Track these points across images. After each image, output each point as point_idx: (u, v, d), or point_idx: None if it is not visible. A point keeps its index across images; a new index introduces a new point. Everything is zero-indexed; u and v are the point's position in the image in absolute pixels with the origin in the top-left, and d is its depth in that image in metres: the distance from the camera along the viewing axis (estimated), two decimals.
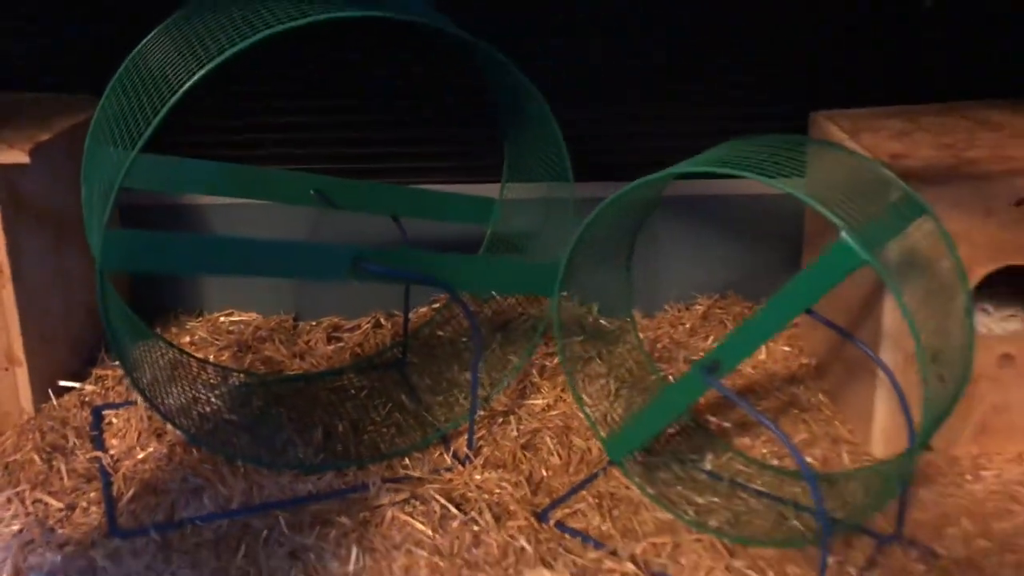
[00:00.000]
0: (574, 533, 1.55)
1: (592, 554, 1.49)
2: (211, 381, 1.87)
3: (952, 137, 1.79)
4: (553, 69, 2.06)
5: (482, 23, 1.67)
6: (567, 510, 1.61)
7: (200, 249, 1.43)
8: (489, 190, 2.02)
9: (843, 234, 1.31)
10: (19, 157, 1.67)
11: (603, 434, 1.71)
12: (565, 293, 1.86)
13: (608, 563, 1.47)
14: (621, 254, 1.83)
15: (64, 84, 2.06)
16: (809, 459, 1.74)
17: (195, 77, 1.35)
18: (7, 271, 1.72)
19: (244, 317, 2.23)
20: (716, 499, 1.63)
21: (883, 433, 1.73)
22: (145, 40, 1.56)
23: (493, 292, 1.94)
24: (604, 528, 1.57)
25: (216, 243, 1.44)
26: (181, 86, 1.36)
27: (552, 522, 1.57)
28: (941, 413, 1.41)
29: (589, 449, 1.78)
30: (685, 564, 1.48)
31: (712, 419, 1.86)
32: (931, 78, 2.13)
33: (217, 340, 2.11)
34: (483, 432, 1.81)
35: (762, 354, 2.09)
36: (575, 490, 1.66)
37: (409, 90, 2.18)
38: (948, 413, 1.43)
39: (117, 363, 2.01)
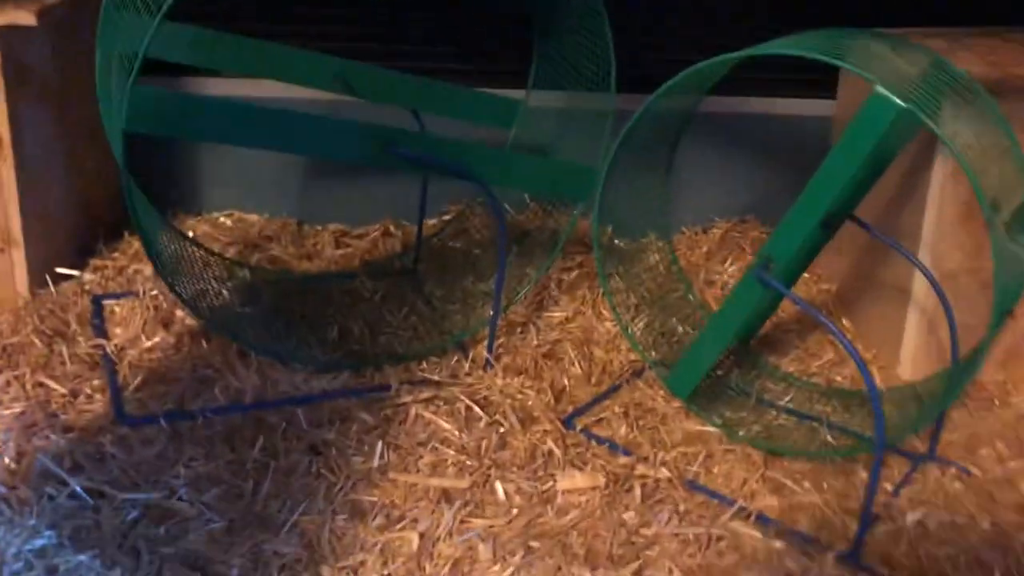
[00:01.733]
0: (601, 440, 1.50)
1: (622, 460, 1.45)
2: (218, 275, 1.78)
3: (997, 56, 1.74)
4: None
5: None
6: (592, 419, 1.56)
7: (229, 114, 1.33)
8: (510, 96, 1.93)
9: (877, 87, 1.26)
10: (26, 19, 1.56)
11: (651, 357, 1.64)
12: (582, 206, 1.80)
13: (640, 468, 1.43)
14: (658, 168, 1.76)
15: None
16: (839, 377, 1.71)
17: None
18: (7, 143, 1.61)
19: (247, 218, 2.13)
20: (744, 413, 1.59)
21: (912, 355, 1.70)
22: None
23: (522, 190, 1.86)
24: (631, 437, 1.53)
25: (247, 110, 1.35)
26: None
27: (578, 428, 1.52)
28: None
29: (611, 361, 1.73)
30: (718, 473, 1.45)
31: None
32: (971, 4, 2.08)
33: (221, 237, 2.02)
34: (502, 341, 1.75)
35: None
36: (601, 398, 1.61)
37: None
38: None
39: (116, 255, 1.92)
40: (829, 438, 1.52)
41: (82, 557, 1.20)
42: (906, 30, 1.94)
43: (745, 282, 1.49)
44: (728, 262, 2.12)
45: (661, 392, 1.63)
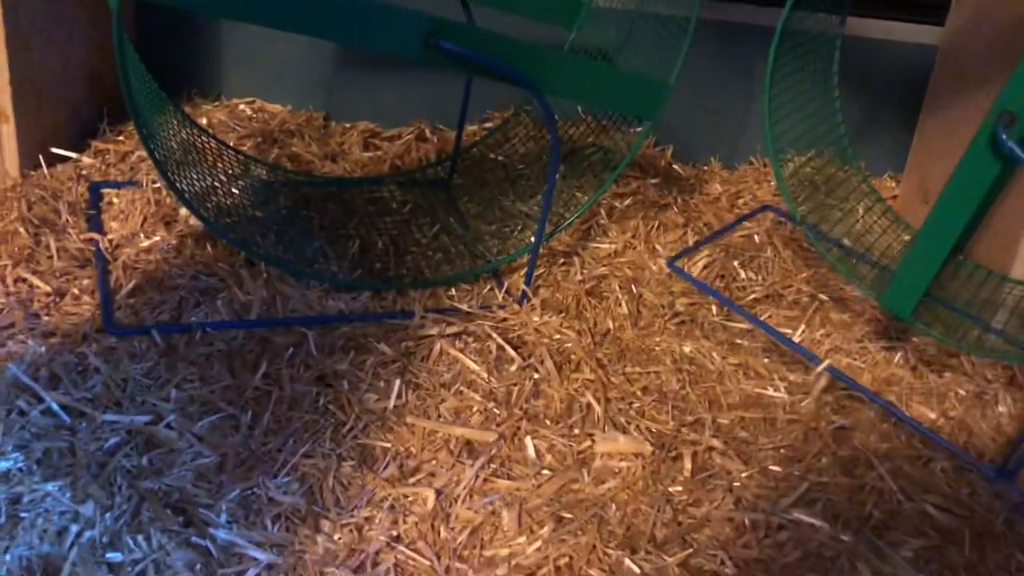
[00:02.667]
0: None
1: (670, 424, 1.27)
2: (231, 171, 1.59)
3: None
4: None
5: None
6: (641, 370, 1.38)
7: None
8: None
9: None
10: None
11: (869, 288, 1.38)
12: (637, 127, 1.58)
13: (687, 432, 1.25)
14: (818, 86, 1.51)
15: None
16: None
17: None
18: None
19: (269, 108, 1.93)
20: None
21: None
22: None
23: (582, 103, 1.64)
24: (683, 393, 1.34)
25: None
26: None
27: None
28: None
29: (662, 305, 1.53)
30: (780, 443, 1.27)
31: None
32: None
33: (238, 127, 1.81)
34: (542, 272, 1.56)
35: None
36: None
37: None
38: None
39: (121, 138, 1.73)
40: None
41: (50, 487, 1.05)
42: None
43: (976, 152, 1.19)
44: (800, 199, 1.89)
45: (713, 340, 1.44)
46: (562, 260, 1.61)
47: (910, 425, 1.32)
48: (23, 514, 1.02)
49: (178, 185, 1.33)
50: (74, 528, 1.01)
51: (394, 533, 1.07)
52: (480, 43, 1.28)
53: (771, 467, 1.22)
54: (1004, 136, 1.13)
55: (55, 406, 1.15)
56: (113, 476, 1.08)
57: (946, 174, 1.41)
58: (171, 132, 1.54)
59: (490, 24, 1.60)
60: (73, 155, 1.62)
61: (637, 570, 1.04)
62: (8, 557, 0.98)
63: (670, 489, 1.17)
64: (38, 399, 1.16)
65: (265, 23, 1.16)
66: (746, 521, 1.12)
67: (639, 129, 1.59)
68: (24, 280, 1.35)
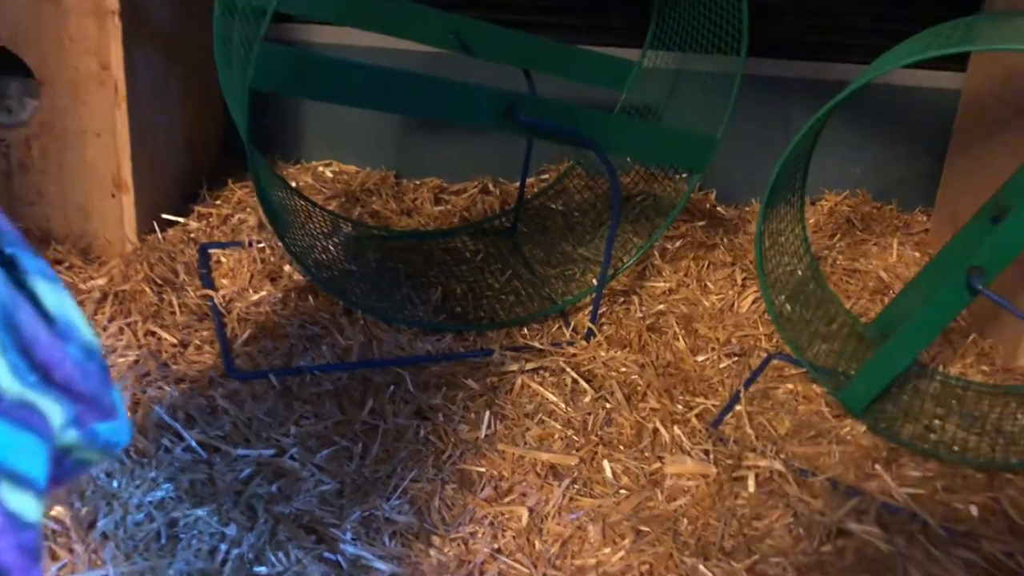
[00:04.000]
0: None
1: (731, 446, 1.42)
2: (323, 229, 1.78)
3: None
4: None
5: None
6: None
7: (354, 74, 1.30)
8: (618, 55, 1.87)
9: None
10: None
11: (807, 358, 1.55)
12: (684, 174, 1.73)
13: (752, 458, 1.40)
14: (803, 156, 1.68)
15: None
16: (957, 370, 1.65)
17: None
18: (123, 89, 1.61)
19: (346, 169, 2.12)
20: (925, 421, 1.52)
21: None
22: None
23: (638, 159, 1.80)
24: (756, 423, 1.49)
25: (371, 70, 1.31)
26: None
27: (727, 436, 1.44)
28: None
29: (716, 338, 1.69)
30: (837, 464, 1.41)
31: None
32: None
33: (323, 189, 2.00)
34: (604, 310, 1.72)
35: (893, 256, 1.98)
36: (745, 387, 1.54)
37: None
38: None
39: (219, 202, 1.92)
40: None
41: (200, 512, 1.22)
42: None
43: (950, 291, 1.39)
44: (838, 238, 2.04)
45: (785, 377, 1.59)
46: (622, 299, 1.77)
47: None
48: (180, 535, 1.19)
49: (289, 246, 1.51)
50: (223, 547, 1.18)
51: (495, 546, 1.22)
52: (550, 113, 1.46)
53: (825, 483, 1.36)
54: (980, 286, 1.33)
55: (194, 443, 1.33)
56: (250, 502, 1.25)
57: (974, 207, 1.56)
58: (273, 199, 1.73)
59: (549, 87, 1.78)
60: (181, 220, 1.81)
61: (710, 575, 1.19)
62: (171, 572, 1.15)
63: (736, 503, 1.31)
64: (180, 437, 1.33)
65: (377, 107, 1.34)
66: (801, 531, 1.27)
67: (686, 175, 1.76)
68: (153, 333, 1.53)
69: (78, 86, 1.61)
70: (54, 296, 0.71)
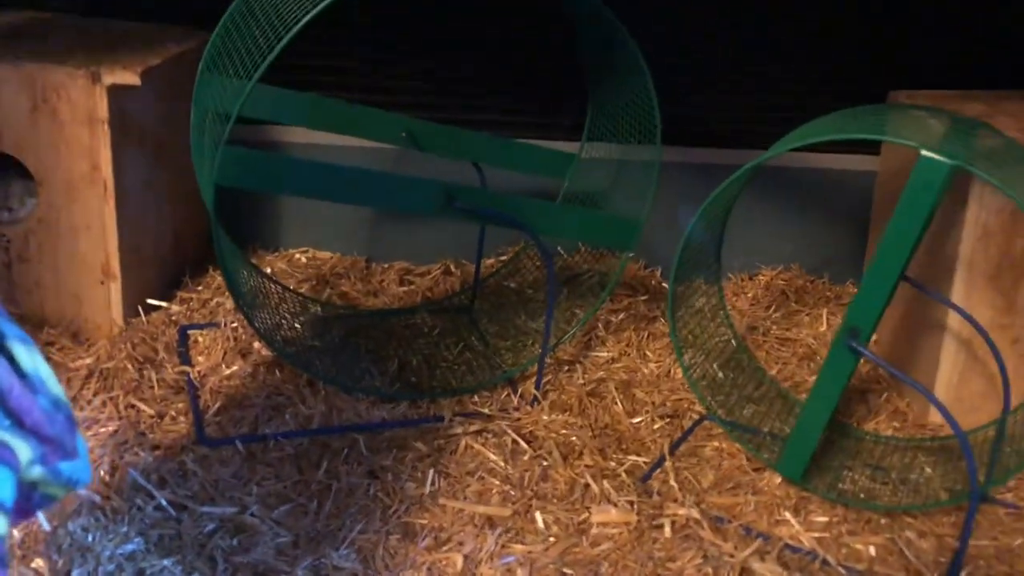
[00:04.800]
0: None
1: (654, 498, 1.56)
2: (292, 310, 1.95)
3: None
4: (644, 37, 2.10)
5: None
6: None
7: (307, 171, 1.49)
8: (565, 149, 2.07)
9: (922, 152, 1.35)
10: (131, 79, 1.75)
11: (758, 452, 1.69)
12: (631, 254, 1.90)
13: (672, 507, 1.53)
14: (713, 227, 1.86)
15: (171, 15, 2.13)
16: (871, 426, 1.79)
17: (312, 14, 1.41)
18: (111, 187, 1.80)
19: (320, 255, 2.30)
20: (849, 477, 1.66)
21: (944, 403, 1.77)
22: None
23: (572, 240, 1.98)
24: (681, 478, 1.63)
25: (322, 167, 1.50)
26: (296, 23, 1.42)
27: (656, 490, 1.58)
28: None
29: (652, 402, 1.83)
30: (752, 512, 1.54)
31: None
32: (1017, 67, 2.15)
33: (296, 274, 2.18)
34: (549, 378, 1.87)
35: (823, 325, 2.14)
36: (672, 450, 1.69)
37: (497, 43, 2.23)
38: None
39: (200, 288, 2.10)
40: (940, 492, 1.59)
41: (166, 562, 1.36)
42: (951, 92, 2.03)
43: (836, 354, 1.52)
44: (773, 309, 2.21)
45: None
46: (567, 367, 1.92)
47: None
48: None
49: (256, 324, 1.68)
50: None
51: None
52: (485, 201, 1.64)
53: (739, 528, 1.49)
54: (854, 344, 1.47)
55: (164, 502, 1.47)
56: (213, 554, 1.39)
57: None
58: (243, 280, 1.91)
59: (498, 179, 1.98)
60: (164, 304, 1.99)
61: None
62: None
63: (653, 548, 1.44)
64: (151, 497, 1.48)
65: (326, 198, 1.53)
66: (710, 570, 1.40)
67: (631, 254, 1.93)
68: (133, 406, 1.69)
69: (72, 186, 1.81)
70: (28, 357, 0.88)
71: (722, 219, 1.78)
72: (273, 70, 1.44)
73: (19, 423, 0.86)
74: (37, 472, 0.87)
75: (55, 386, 0.89)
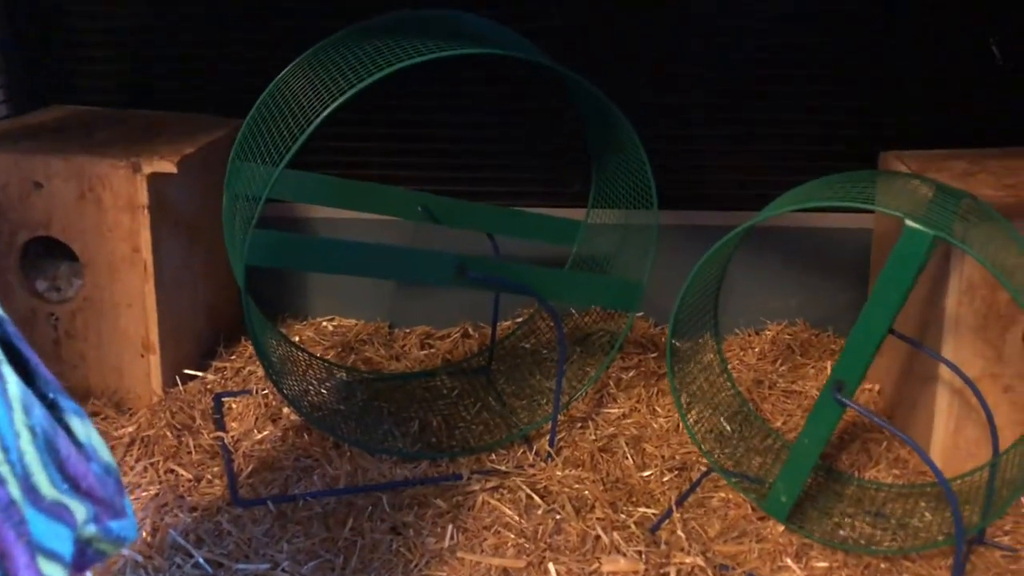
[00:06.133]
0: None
1: (662, 547, 1.64)
2: (319, 376, 2.07)
3: (1015, 178, 1.91)
4: (639, 109, 2.24)
5: (575, 57, 1.86)
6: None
7: (329, 250, 1.63)
8: (575, 215, 2.19)
9: (907, 222, 1.45)
10: (168, 167, 1.90)
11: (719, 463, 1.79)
12: (640, 313, 2.01)
13: (679, 556, 1.61)
14: (710, 282, 1.97)
15: (202, 105, 2.31)
16: (872, 474, 1.86)
17: (332, 107, 1.55)
18: (151, 268, 1.95)
19: (345, 323, 2.43)
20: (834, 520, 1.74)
21: (941, 453, 1.84)
22: (285, 71, 1.78)
23: (577, 304, 2.09)
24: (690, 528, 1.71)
25: (342, 246, 1.64)
26: (319, 114, 1.56)
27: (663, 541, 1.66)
28: None
29: (662, 456, 1.92)
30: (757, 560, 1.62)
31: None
32: (998, 124, 2.25)
33: (322, 341, 2.31)
34: (563, 435, 1.97)
35: (826, 377, 2.21)
36: (679, 502, 1.77)
37: (508, 121, 2.38)
38: None
39: (233, 357, 2.23)
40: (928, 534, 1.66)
41: None
42: (937, 152, 2.14)
43: (823, 405, 1.63)
44: (779, 362, 2.29)
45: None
46: (579, 424, 2.02)
47: None
48: None
49: (284, 391, 1.80)
50: None
51: None
52: (496, 270, 1.76)
53: (742, 574, 1.57)
54: (839, 397, 1.57)
55: (202, 560, 1.58)
56: None
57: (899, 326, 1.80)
58: (272, 349, 2.03)
59: (511, 246, 2.10)
60: (200, 374, 2.12)
61: None
62: None
63: None
64: (189, 555, 1.59)
65: (347, 273, 1.66)
66: None
67: (641, 314, 2.04)
68: (172, 471, 1.81)
69: (114, 267, 1.96)
70: (83, 428, 1.00)
71: (718, 277, 1.88)
72: (297, 154, 1.58)
73: (76, 487, 0.98)
74: (91, 531, 0.99)
75: (106, 454, 1.02)
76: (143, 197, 1.92)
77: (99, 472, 1.01)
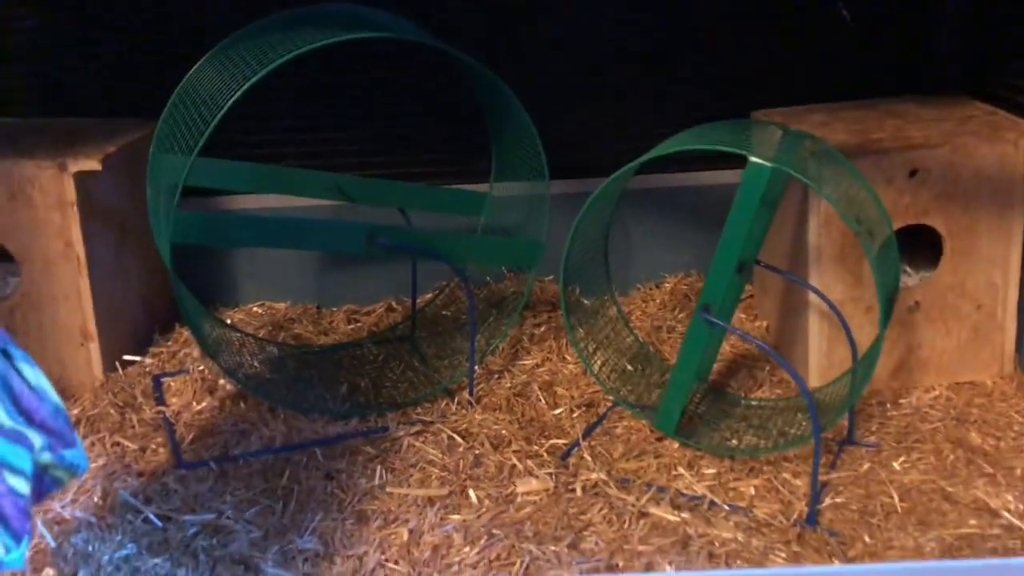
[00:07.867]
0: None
1: (571, 469, 1.83)
2: (252, 351, 2.22)
3: (862, 124, 2.14)
4: (527, 81, 2.42)
5: (467, 38, 2.04)
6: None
7: (246, 225, 1.78)
8: (481, 190, 2.37)
9: (750, 158, 1.66)
10: (93, 165, 2.04)
11: (618, 395, 1.99)
12: (550, 277, 2.19)
13: (585, 474, 1.80)
14: (599, 242, 2.17)
15: (119, 110, 2.43)
16: (757, 395, 2.08)
17: (236, 94, 1.71)
18: (84, 262, 2.08)
19: (275, 306, 2.58)
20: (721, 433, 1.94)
21: (817, 369, 2.06)
22: (195, 67, 1.93)
23: (482, 263, 2.28)
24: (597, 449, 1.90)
25: (259, 220, 1.80)
26: (226, 102, 1.71)
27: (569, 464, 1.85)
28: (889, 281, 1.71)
29: (572, 396, 2.11)
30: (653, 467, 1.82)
31: None
32: (855, 80, 2.50)
33: (253, 322, 2.46)
34: (482, 385, 2.15)
35: None
36: (587, 432, 1.96)
37: (412, 102, 2.55)
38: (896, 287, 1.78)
39: (170, 343, 2.37)
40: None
41: (156, 560, 1.61)
42: (800, 107, 2.37)
43: (693, 326, 1.84)
44: (677, 310, 2.50)
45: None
46: (497, 375, 2.20)
47: None
48: None
49: (221, 363, 1.95)
50: None
51: (383, 558, 1.61)
52: (403, 236, 1.93)
53: (642, 485, 1.77)
54: (708, 316, 1.79)
55: (152, 515, 1.72)
56: (195, 551, 1.64)
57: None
58: (207, 333, 2.18)
59: (424, 221, 2.27)
60: (138, 359, 2.25)
61: (540, 554, 1.58)
62: None
63: (568, 506, 1.71)
64: (139, 512, 1.73)
65: (264, 245, 1.81)
66: (614, 517, 1.67)
67: (551, 278, 2.21)
68: (118, 444, 1.95)
69: (48, 262, 2.08)
70: (32, 374, 1.15)
71: (603, 235, 2.08)
72: (214, 145, 1.73)
73: (30, 420, 1.13)
74: (47, 458, 1.14)
75: (55, 396, 1.17)
76: (71, 195, 2.05)
77: (49, 410, 1.16)
